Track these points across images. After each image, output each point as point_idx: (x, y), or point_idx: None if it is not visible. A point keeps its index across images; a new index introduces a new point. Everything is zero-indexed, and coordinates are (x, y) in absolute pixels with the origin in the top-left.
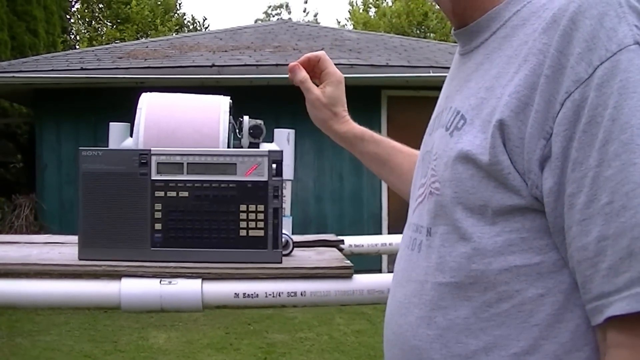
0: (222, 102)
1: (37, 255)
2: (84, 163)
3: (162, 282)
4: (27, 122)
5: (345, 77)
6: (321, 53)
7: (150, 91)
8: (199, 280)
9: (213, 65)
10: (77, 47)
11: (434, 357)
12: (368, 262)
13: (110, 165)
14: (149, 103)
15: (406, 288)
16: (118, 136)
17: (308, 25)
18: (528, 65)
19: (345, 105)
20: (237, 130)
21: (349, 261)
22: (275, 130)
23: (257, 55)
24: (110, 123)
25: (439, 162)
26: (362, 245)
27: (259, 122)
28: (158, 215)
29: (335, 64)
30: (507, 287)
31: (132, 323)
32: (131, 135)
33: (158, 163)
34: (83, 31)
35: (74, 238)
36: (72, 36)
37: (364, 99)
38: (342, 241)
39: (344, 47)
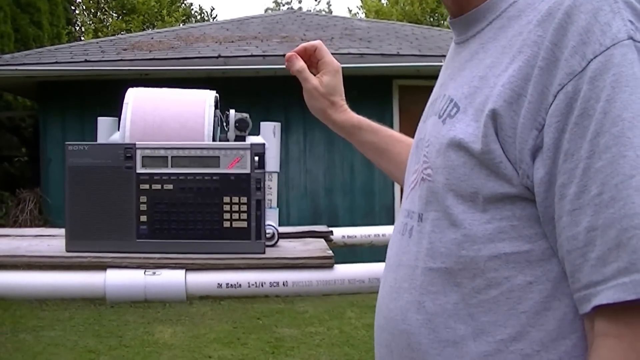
0: (208, 97)
1: (26, 247)
2: (70, 157)
3: (146, 273)
4: (32, 115)
5: (355, 67)
6: (317, 42)
7: (155, 83)
8: (183, 271)
9: (219, 56)
10: (82, 38)
11: (422, 342)
12: (379, 252)
13: (96, 159)
14: (135, 98)
15: (397, 273)
16: (106, 130)
17: (317, 14)
18: (522, 57)
19: (343, 95)
20: (224, 124)
21: (331, 251)
22: (262, 123)
23: (264, 45)
24: (98, 118)
25: (431, 149)
26: (355, 236)
27: (245, 115)
28: (143, 207)
29: (345, 54)
30: (496, 274)
31: (138, 318)
32: (119, 130)
33: (143, 157)
34: (88, 22)
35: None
36: (77, 28)
37: (375, 88)
38: (330, 232)
39: (354, 36)
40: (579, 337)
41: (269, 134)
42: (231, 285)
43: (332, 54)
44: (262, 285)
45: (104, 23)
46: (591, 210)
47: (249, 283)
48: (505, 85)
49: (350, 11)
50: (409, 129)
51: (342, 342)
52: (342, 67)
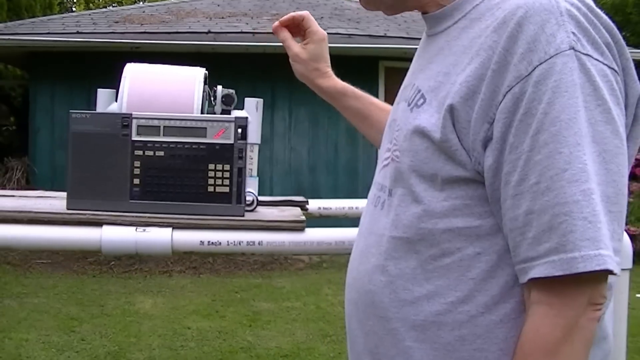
0: (198, 74)
1: (31, 205)
2: (74, 124)
3: (137, 230)
4: (22, 84)
5: (343, 47)
6: (305, 13)
7: (146, 56)
8: (170, 229)
9: (209, 32)
10: (74, 9)
11: (383, 301)
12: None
13: (96, 127)
14: (132, 72)
15: (367, 239)
16: (104, 101)
17: None
18: (479, 59)
19: (329, 62)
20: (212, 99)
21: (303, 217)
22: (246, 99)
23: (254, 22)
24: (98, 89)
25: (400, 133)
26: (330, 208)
27: (231, 91)
28: (137, 171)
29: (334, 34)
30: (450, 245)
31: (119, 288)
32: (116, 101)
33: (138, 126)
34: None
35: (64, 194)
36: None
37: (362, 69)
38: (306, 202)
39: (343, 16)
40: (517, 302)
41: (252, 109)
42: (212, 242)
43: None
44: (239, 244)
45: None
46: (530, 196)
47: (228, 241)
48: (463, 83)
49: None
50: None
51: (318, 317)
52: (330, 47)
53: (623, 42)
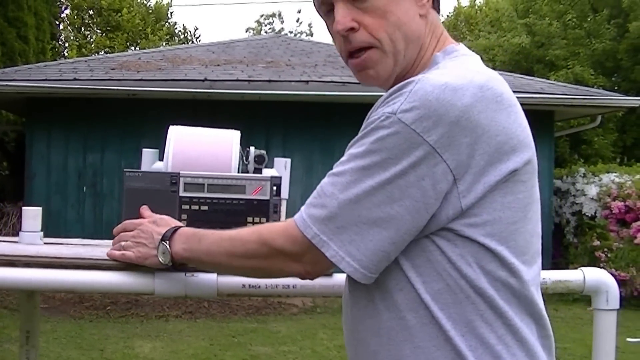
0: (235, 136)
1: (86, 252)
2: (128, 181)
3: (186, 274)
4: (15, 129)
5: (337, 95)
6: None
7: (142, 103)
8: (215, 274)
9: (205, 80)
10: (66, 54)
11: (354, 316)
12: None
13: (147, 184)
14: (176, 135)
15: None
16: (148, 160)
17: (301, 40)
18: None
19: None
20: (244, 158)
21: None
22: (275, 159)
23: (249, 70)
24: (143, 149)
25: None
26: None
27: (263, 152)
28: (184, 223)
29: (328, 82)
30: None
31: (118, 332)
32: (160, 160)
33: (185, 183)
34: (72, 38)
35: (104, 242)
36: (61, 43)
37: (356, 117)
38: None
39: (337, 63)
40: (421, 315)
41: (281, 168)
42: (252, 286)
43: (315, 81)
44: (276, 287)
45: (88, 39)
46: None
47: (266, 285)
48: None
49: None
50: None
51: None
52: (324, 95)
53: (477, 120)
